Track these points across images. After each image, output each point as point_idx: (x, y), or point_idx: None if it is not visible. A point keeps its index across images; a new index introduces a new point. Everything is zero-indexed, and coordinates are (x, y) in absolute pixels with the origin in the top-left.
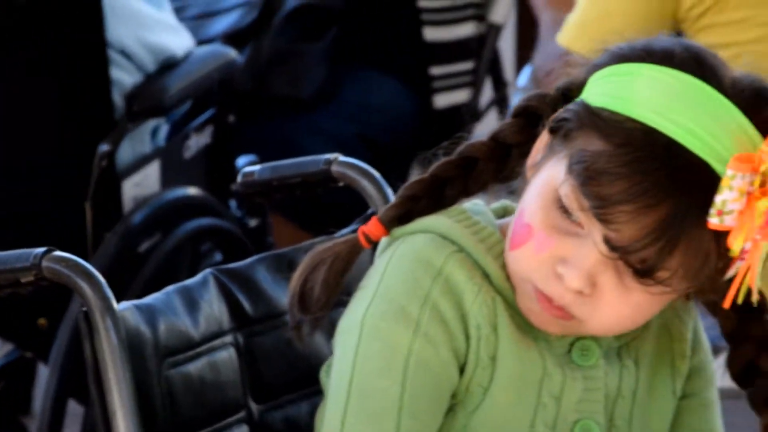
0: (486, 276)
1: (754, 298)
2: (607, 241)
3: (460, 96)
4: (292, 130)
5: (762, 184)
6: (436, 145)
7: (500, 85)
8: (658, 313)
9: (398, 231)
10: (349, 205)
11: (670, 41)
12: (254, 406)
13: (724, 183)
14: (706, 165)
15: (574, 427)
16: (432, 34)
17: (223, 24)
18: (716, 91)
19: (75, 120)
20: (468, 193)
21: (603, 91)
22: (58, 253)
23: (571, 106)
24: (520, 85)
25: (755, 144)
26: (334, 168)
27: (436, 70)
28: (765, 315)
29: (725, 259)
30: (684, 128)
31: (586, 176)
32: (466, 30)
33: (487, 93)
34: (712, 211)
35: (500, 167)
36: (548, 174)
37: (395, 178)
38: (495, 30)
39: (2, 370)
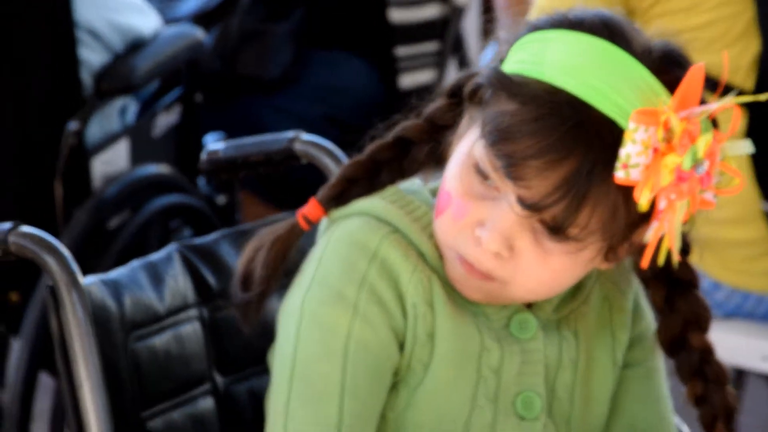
0: (421, 255)
1: (674, 259)
2: (520, 199)
3: (425, 76)
4: (259, 111)
5: (668, 140)
6: None
7: (465, 66)
8: (580, 277)
9: (336, 213)
10: (318, 182)
11: (585, 11)
12: (219, 379)
13: (627, 136)
14: (612, 121)
15: (515, 400)
16: (397, 15)
17: (191, 4)
18: (624, 52)
19: (43, 98)
20: (404, 174)
21: (517, 58)
22: (25, 228)
23: (484, 71)
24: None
25: (663, 102)
26: (297, 146)
27: (401, 51)
28: (694, 290)
29: (635, 214)
30: (589, 86)
31: (496, 136)
32: (430, 11)
33: (452, 74)
34: (618, 164)
35: (435, 148)
36: (467, 141)
37: None
38: (458, 11)
39: None
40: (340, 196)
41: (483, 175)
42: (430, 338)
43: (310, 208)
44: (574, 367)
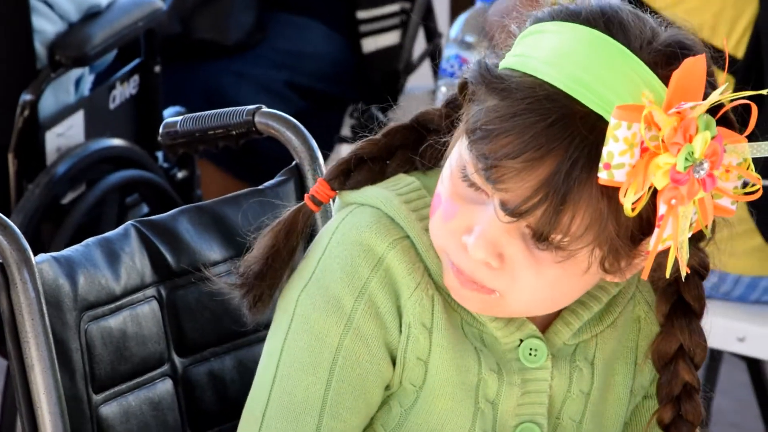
0: (427, 270)
1: (682, 271)
2: (502, 204)
3: (389, 39)
4: (219, 78)
5: (657, 138)
6: (370, 91)
7: (433, 36)
8: (584, 290)
9: (348, 196)
10: (281, 153)
11: (591, 2)
12: (178, 360)
13: (609, 133)
14: (598, 117)
15: (514, 431)
16: None
17: None
18: (619, 44)
19: None
20: (414, 164)
21: (514, 51)
22: None
23: (471, 65)
24: (453, 36)
25: (661, 98)
26: (258, 119)
27: (362, 14)
28: (696, 320)
29: (633, 221)
30: (574, 78)
31: (474, 134)
32: None
33: (421, 45)
34: (600, 164)
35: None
36: (459, 141)
37: (331, 127)
38: None
39: None
40: (349, 175)
41: (469, 181)
42: (422, 363)
43: (318, 188)
44: (585, 398)
